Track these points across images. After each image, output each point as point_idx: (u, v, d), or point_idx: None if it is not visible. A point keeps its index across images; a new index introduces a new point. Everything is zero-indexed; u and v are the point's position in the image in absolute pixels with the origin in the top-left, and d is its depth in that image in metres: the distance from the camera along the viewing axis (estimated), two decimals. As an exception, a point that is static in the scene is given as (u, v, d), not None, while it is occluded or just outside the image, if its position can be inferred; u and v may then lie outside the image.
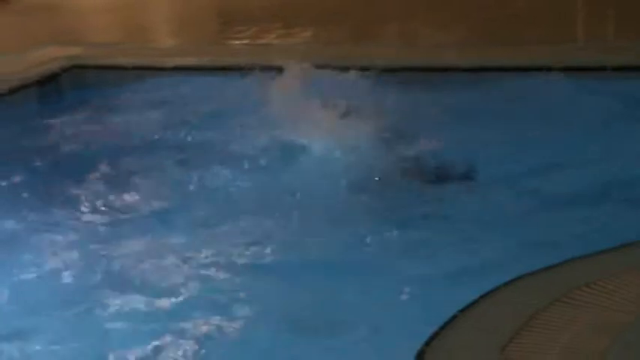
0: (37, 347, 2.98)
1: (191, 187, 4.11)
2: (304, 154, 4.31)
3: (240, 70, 5.32)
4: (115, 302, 3.13)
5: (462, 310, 2.60)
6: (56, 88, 5.64)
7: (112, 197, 4.03)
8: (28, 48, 6.14)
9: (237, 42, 6.08)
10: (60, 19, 7.55)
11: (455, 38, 5.93)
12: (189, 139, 4.68)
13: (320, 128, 4.35)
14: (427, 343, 2.40)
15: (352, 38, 6.14)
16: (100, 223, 3.82)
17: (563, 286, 2.70)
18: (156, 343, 2.90)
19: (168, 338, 2.91)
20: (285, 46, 5.80)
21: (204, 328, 2.93)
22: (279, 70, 4.82)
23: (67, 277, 3.38)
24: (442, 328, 2.52)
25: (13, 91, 5.43)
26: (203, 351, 2.85)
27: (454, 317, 2.56)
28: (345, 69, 4.79)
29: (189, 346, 2.87)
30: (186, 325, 2.98)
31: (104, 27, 7.83)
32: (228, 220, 3.72)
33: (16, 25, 7.18)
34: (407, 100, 4.60)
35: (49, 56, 6.00)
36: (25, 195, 4.14)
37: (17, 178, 4.34)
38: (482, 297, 2.66)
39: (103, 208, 3.97)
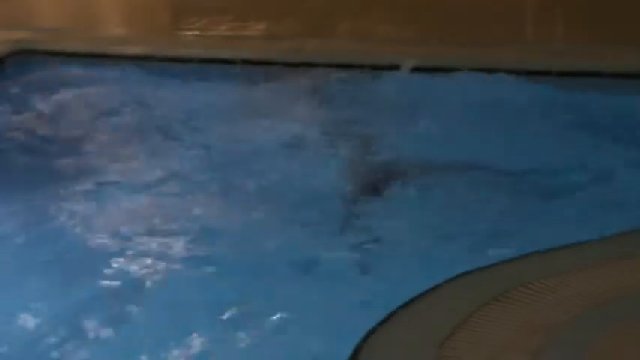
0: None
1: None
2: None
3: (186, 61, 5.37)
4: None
5: (402, 307, 2.60)
6: (1, 71, 5.51)
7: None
8: None
9: (187, 33, 6.08)
10: (7, 5, 7.42)
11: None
12: (128, 124, 4.70)
13: None
14: (364, 339, 2.42)
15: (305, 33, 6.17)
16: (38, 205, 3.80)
17: (504, 285, 2.71)
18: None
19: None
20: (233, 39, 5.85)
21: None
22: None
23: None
24: (380, 323, 2.52)
25: None
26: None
27: (393, 313, 2.56)
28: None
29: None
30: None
31: (53, 13, 7.77)
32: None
33: None
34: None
35: None
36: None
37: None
38: (422, 294, 2.65)
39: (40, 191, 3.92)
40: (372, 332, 2.47)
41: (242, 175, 4.09)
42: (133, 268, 3.26)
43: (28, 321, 2.97)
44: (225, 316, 2.91)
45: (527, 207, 3.67)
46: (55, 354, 2.77)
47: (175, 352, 2.74)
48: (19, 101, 4.99)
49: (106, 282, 3.22)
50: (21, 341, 2.90)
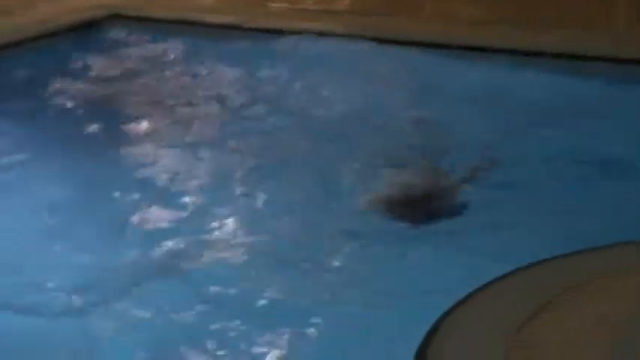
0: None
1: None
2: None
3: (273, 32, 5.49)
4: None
5: (479, 289, 2.61)
6: (96, 35, 5.77)
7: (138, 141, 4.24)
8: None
9: (275, 5, 6.22)
10: None
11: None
12: (212, 92, 4.82)
13: None
14: (440, 320, 2.44)
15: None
16: (130, 164, 4.00)
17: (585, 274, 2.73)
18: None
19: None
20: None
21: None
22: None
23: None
24: (457, 305, 2.55)
25: (55, 34, 5.58)
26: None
27: (469, 296, 2.59)
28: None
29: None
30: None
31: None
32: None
33: None
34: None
35: (91, 5, 6.08)
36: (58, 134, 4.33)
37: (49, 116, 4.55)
38: (496, 279, 2.67)
39: (132, 153, 4.14)
40: (448, 313, 2.52)
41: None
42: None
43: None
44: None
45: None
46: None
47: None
48: (112, 60, 5.25)
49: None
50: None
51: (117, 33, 5.70)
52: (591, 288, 2.62)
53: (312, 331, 2.77)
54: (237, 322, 2.78)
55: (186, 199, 3.58)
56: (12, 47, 5.18)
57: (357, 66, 4.98)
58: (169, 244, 3.24)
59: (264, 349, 2.68)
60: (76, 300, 2.96)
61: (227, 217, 3.41)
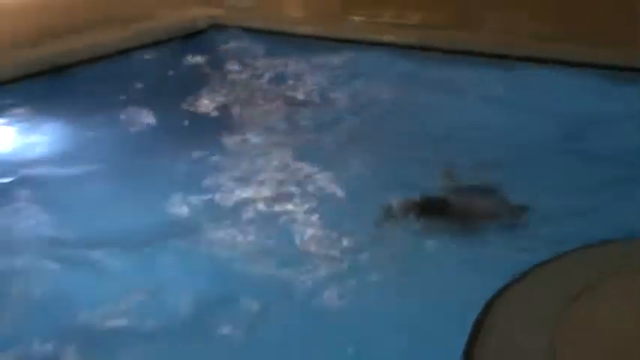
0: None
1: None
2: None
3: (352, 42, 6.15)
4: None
5: (537, 265, 2.87)
6: (198, 44, 6.50)
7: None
8: (179, 9, 7.04)
9: (357, 19, 6.93)
10: None
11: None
12: (315, 99, 5.41)
13: None
14: (498, 294, 2.70)
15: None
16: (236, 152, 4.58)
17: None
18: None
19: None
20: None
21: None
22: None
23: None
24: (517, 279, 2.80)
25: (164, 42, 6.35)
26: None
27: (528, 272, 2.84)
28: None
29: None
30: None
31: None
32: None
33: None
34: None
35: (191, 16, 6.88)
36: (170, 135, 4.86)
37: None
38: (555, 258, 2.92)
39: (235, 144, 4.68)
40: (506, 287, 2.77)
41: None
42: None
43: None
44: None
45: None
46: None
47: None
48: (214, 65, 6.00)
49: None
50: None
51: (218, 40, 6.50)
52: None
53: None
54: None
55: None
56: (135, 50, 6.03)
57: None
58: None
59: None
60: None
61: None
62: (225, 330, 2.94)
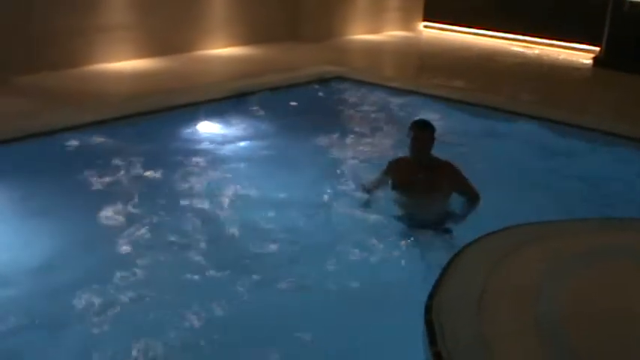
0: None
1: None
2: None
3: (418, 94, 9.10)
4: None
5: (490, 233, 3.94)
6: (326, 88, 9.45)
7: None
8: (311, 66, 10.48)
9: (427, 80, 10.29)
10: (334, 53, 12.09)
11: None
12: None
13: None
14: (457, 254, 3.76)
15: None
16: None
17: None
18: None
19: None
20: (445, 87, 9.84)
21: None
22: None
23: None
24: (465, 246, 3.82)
25: (301, 84, 9.40)
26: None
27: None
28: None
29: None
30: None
31: (363, 60, 12.53)
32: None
33: (308, 55, 11.73)
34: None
35: (324, 70, 10.06)
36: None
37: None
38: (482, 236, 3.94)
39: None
40: (470, 244, 3.85)
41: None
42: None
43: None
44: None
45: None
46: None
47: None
48: (335, 107, 8.87)
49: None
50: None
51: (339, 89, 9.39)
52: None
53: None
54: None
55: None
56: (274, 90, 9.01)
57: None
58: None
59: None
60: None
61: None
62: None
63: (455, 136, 7.47)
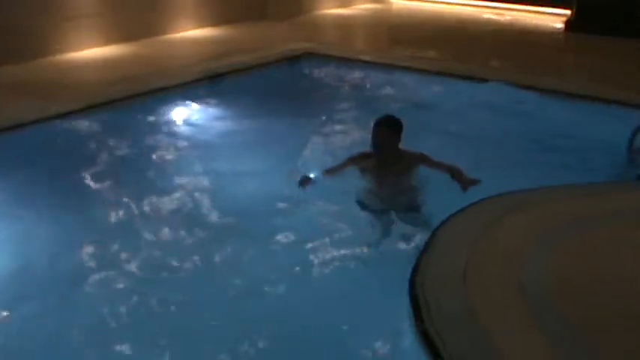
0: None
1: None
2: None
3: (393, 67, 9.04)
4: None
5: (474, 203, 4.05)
6: (296, 65, 9.46)
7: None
8: (281, 44, 10.36)
9: (398, 52, 10.26)
10: (304, 30, 11.99)
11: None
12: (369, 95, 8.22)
13: None
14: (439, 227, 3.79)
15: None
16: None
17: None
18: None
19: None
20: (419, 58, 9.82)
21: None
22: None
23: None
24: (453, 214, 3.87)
25: (271, 63, 9.30)
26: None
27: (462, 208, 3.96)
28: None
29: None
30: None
31: (334, 35, 12.43)
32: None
33: (279, 33, 11.64)
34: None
35: (294, 48, 9.94)
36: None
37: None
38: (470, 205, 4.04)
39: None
40: (452, 215, 3.84)
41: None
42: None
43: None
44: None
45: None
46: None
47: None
48: (306, 83, 8.93)
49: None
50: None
51: (309, 65, 9.41)
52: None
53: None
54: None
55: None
56: (252, 69, 9.05)
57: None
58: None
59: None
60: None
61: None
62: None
63: (432, 108, 7.44)
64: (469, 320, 2.88)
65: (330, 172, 5.38)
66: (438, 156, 5.25)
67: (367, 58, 9.64)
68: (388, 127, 5.12)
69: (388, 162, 5.15)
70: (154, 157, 6.44)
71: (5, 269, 4.46)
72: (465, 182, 4.87)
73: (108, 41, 10.23)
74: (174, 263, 4.52)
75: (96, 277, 4.36)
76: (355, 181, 5.29)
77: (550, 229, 3.56)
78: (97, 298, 4.14)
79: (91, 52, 9.88)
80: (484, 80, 8.22)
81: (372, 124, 5.22)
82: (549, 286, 3.08)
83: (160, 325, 3.90)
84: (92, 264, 4.53)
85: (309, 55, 9.78)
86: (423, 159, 5.19)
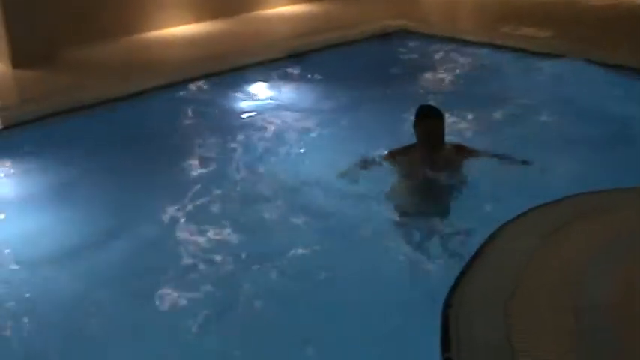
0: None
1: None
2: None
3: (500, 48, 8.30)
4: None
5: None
6: (389, 42, 9.14)
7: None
8: (376, 20, 9.94)
9: (501, 30, 9.24)
10: (393, 6, 11.14)
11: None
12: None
13: None
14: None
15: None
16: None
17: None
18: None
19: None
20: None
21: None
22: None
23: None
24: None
25: (364, 39, 9.05)
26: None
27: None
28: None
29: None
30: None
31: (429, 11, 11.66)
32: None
33: (373, 8, 10.91)
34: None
35: (388, 24, 9.61)
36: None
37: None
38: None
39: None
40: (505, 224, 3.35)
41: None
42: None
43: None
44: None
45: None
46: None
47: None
48: (400, 59, 8.54)
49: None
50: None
51: (404, 42, 8.99)
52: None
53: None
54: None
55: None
56: (347, 45, 8.86)
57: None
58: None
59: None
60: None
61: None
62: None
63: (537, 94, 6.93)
64: (502, 353, 2.48)
65: (364, 165, 5.07)
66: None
67: (469, 37, 9.01)
68: (436, 118, 4.81)
69: (434, 155, 4.83)
70: (240, 134, 6.46)
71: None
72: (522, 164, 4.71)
73: (196, 18, 10.14)
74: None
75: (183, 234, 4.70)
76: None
77: (619, 243, 3.06)
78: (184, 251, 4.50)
79: (178, 29, 9.83)
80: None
81: (413, 115, 4.90)
82: (606, 315, 2.63)
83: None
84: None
85: (403, 33, 9.37)
86: (469, 151, 4.91)
